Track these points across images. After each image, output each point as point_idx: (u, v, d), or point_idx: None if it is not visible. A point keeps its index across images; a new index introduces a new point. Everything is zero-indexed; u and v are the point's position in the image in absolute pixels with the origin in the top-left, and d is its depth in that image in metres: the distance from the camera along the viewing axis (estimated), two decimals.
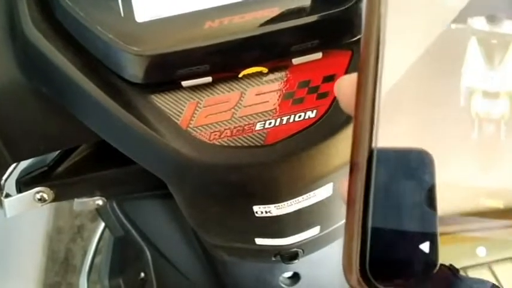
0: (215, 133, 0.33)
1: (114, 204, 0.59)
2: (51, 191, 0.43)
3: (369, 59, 0.21)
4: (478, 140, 0.22)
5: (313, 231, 0.41)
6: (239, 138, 0.33)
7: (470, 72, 0.22)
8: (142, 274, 0.64)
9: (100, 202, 0.51)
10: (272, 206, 0.35)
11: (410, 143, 0.22)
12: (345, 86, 0.23)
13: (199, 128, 0.33)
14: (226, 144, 0.32)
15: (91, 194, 0.49)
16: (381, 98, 0.21)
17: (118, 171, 0.45)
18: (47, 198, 0.43)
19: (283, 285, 0.55)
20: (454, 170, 0.22)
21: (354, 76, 0.22)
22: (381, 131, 0.21)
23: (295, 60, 0.33)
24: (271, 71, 0.33)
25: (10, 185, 0.43)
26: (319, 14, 0.31)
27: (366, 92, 0.21)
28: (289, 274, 0.55)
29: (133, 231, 0.60)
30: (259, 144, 0.33)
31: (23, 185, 0.43)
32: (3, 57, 0.34)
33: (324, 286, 0.57)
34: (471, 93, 0.22)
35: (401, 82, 0.22)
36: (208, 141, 0.32)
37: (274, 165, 0.33)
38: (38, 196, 0.43)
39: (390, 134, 0.21)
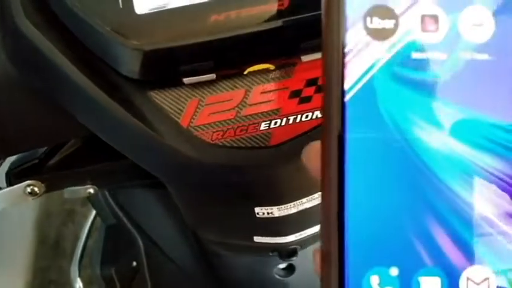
0: (218, 133, 0.31)
1: (106, 193, 0.58)
2: (42, 184, 0.42)
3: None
4: None
5: (314, 229, 0.41)
6: (243, 138, 0.31)
7: None
8: (134, 263, 0.63)
9: (91, 190, 0.50)
10: (275, 207, 0.34)
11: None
12: (312, 152, 0.23)
13: (201, 127, 0.31)
14: (229, 145, 0.31)
15: (83, 185, 0.48)
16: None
17: (110, 164, 0.43)
18: (37, 191, 0.42)
19: (277, 277, 0.54)
20: None
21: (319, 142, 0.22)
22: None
23: (304, 58, 0.31)
24: (278, 68, 0.32)
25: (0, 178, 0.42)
26: None
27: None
28: (283, 265, 0.54)
29: (125, 220, 0.59)
30: (263, 145, 0.31)
31: (13, 177, 0.42)
32: None
33: (318, 278, 0.57)
34: None
35: None
36: (210, 141, 0.31)
37: (279, 168, 0.31)
38: (29, 189, 0.41)
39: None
